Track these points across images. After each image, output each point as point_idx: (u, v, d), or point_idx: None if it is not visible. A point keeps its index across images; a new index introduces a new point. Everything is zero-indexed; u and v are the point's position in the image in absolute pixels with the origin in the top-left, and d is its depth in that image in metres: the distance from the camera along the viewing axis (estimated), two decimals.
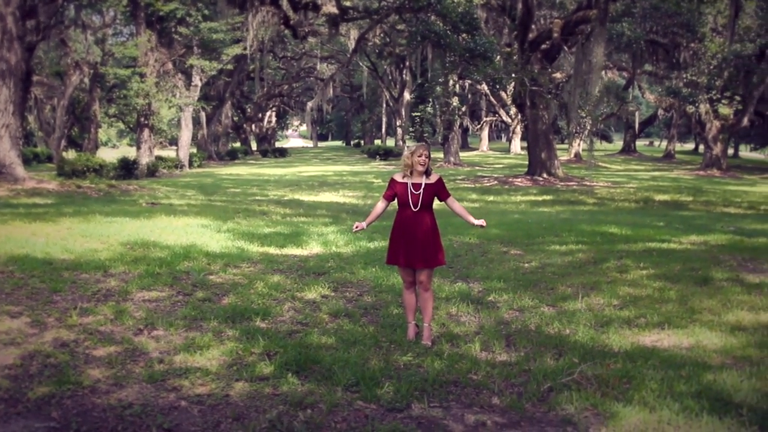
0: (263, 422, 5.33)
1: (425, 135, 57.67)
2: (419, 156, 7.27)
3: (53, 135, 50.64)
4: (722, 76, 43.63)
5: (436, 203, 7.52)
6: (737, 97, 44.80)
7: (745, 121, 46.54)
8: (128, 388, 5.97)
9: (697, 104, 45.22)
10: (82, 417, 5.40)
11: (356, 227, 7.51)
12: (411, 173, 7.33)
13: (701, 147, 62.37)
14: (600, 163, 54.97)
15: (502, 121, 73.03)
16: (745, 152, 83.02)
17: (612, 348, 7.30)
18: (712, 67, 42.99)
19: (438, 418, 5.53)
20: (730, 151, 62.72)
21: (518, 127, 69.05)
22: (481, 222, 7.49)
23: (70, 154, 46.30)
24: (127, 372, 6.35)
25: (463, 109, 58.35)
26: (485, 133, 79.63)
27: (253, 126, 76.86)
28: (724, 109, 45.29)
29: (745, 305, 9.02)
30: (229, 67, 49.25)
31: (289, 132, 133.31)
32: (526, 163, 39.38)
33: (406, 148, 8.02)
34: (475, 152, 73.62)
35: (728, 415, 5.46)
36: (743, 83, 44.37)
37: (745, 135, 64.62)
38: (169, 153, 51.05)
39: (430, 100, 56.46)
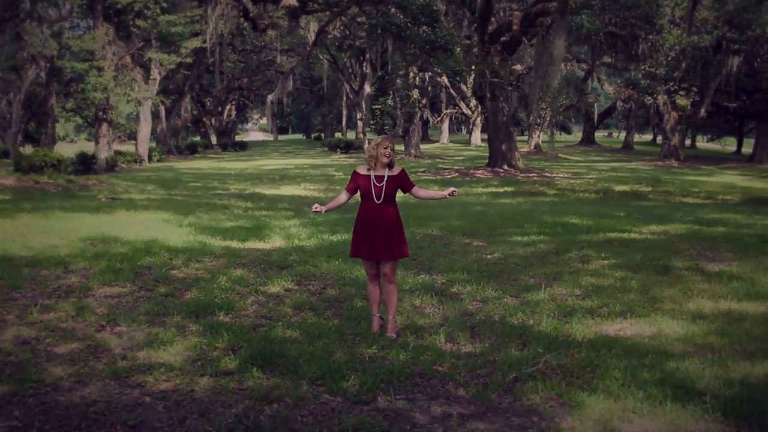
0: (229, 417, 5.30)
1: (386, 128, 57.63)
2: (385, 148, 7.24)
3: (9, 130, 49.91)
4: (680, 67, 44.00)
5: (399, 196, 7.51)
6: (694, 89, 45.21)
7: (702, 112, 46.97)
8: (91, 385, 5.90)
9: (655, 95, 45.62)
10: (44, 415, 5.34)
11: (315, 207, 7.48)
12: (375, 165, 7.31)
13: (659, 138, 62.94)
14: (560, 155, 55.32)
15: (463, 114, 73.08)
16: (702, 143, 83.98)
17: (576, 337, 7.36)
18: (669, 58, 43.35)
19: (404, 410, 5.54)
20: (688, 142, 63.38)
21: (478, 119, 69.29)
22: (452, 189, 7.44)
23: (27, 150, 45.71)
24: (89, 369, 6.29)
25: (424, 101, 58.37)
26: (446, 126, 79.75)
27: (213, 120, 76.33)
28: (682, 100, 45.71)
29: (706, 293, 9.15)
30: (189, 60, 48.81)
31: (249, 125, 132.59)
32: (487, 155, 39.54)
33: (367, 141, 8.00)
34: (435, 144, 73.71)
35: (691, 402, 5.53)
36: (700, 74, 44.77)
37: (702, 126, 65.27)
38: (129, 147, 50.53)
39: (391, 92, 56.43)
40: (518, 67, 40.31)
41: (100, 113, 38.20)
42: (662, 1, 38.76)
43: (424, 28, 31.20)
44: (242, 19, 38.44)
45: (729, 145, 75.84)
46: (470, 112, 68.27)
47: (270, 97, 51.69)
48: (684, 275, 10.26)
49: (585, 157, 55.95)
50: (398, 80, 52.39)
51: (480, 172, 35.71)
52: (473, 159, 48.05)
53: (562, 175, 35.29)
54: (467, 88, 50.88)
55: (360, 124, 64.83)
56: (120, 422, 5.21)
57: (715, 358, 6.62)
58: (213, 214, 17.67)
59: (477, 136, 72.72)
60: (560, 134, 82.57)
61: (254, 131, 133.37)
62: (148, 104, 44.99)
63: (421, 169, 38.41)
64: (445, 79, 53.31)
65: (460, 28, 38.56)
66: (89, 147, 41.21)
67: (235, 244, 13.00)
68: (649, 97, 46.35)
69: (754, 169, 45.53)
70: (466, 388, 5.99)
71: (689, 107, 46.28)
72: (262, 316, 8.14)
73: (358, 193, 7.43)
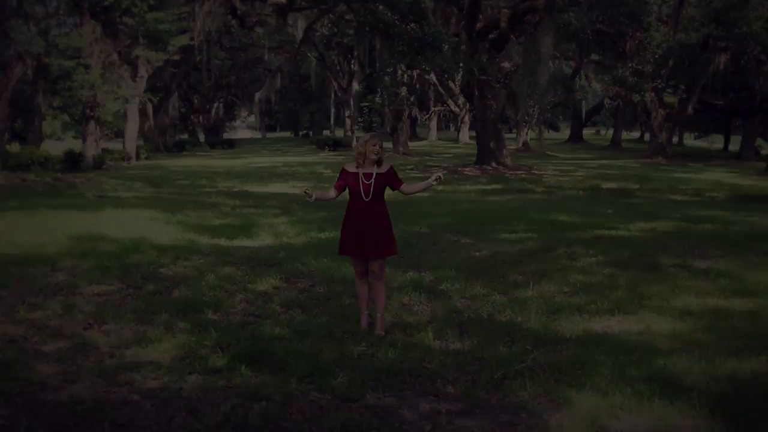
0: (217, 415, 5.29)
1: (374, 125, 57.57)
2: (373, 145, 7.23)
3: None
4: (667, 65, 44.06)
5: (388, 193, 7.50)
6: (682, 86, 45.35)
7: (690, 109, 47.11)
8: (79, 384, 5.89)
9: (642, 93, 45.65)
10: (32, 414, 5.32)
11: (305, 190, 7.47)
12: (363, 162, 7.30)
13: (647, 135, 63.08)
14: (548, 152, 55.36)
15: (451, 111, 72.89)
16: (689, 140, 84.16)
17: (564, 334, 7.36)
18: (657, 56, 43.36)
19: (393, 408, 5.54)
20: (675, 139, 63.50)
21: (467, 117, 69.08)
22: (437, 174, 7.35)
23: (14, 147, 45.46)
24: (77, 367, 6.27)
25: (412, 99, 58.31)
26: (434, 123, 79.61)
27: (201, 117, 76.12)
28: (669, 98, 45.84)
29: (693, 290, 9.16)
30: (176, 57, 48.66)
31: (237, 123, 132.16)
32: (475, 152, 39.54)
33: (355, 138, 7.98)
34: (424, 142, 73.61)
35: (679, 398, 5.54)
36: (687, 72, 44.86)
37: (689, 123, 65.32)
38: (116, 145, 50.28)
39: (379, 90, 56.27)
40: (506, 64, 40.32)
41: (88, 111, 38.07)
42: None
43: (412, 25, 31.17)
44: (230, 16, 38.39)
45: (716, 142, 76.00)
46: (458, 110, 68.10)
47: (258, 95, 51.70)
48: (671, 272, 10.27)
49: (573, 155, 55.95)
50: (386, 78, 52.22)
51: (468, 169, 35.70)
52: (461, 156, 48.04)
53: (550, 173, 35.33)
54: (455, 85, 50.77)
55: (348, 121, 64.76)
56: (108, 420, 5.19)
57: (702, 354, 6.62)
58: (201, 211, 17.61)
59: (465, 134, 72.63)
60: (548, 132, 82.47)
61: (242, 129, 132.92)
62: (136, 102, 44.83)
63: (409, 167, 38.36)
64: (433, 77, 53.24)
65: (448, 26, 38.61)
66: (76, 145, 41.10)
67: (223, 241, 12.97)
68: (637, 95, 46.40)
69: (741, 167, 45.67)
70: (454, 386, 5.99)
71: (676, 105, 46.40)
72: (251, 314, 8.13)
73: (347, 191, 7.43)
